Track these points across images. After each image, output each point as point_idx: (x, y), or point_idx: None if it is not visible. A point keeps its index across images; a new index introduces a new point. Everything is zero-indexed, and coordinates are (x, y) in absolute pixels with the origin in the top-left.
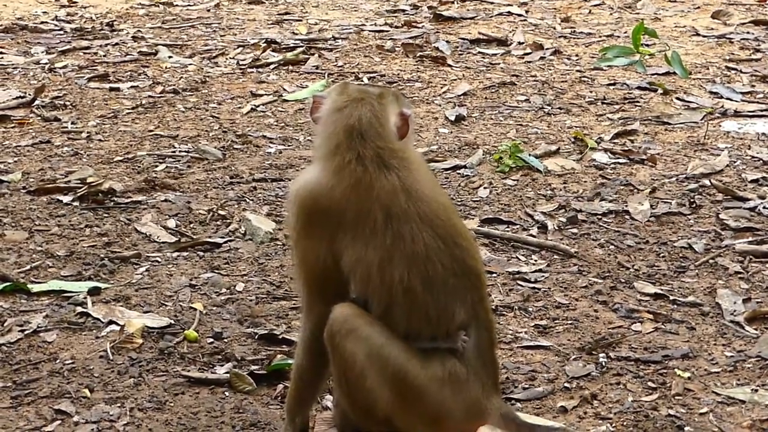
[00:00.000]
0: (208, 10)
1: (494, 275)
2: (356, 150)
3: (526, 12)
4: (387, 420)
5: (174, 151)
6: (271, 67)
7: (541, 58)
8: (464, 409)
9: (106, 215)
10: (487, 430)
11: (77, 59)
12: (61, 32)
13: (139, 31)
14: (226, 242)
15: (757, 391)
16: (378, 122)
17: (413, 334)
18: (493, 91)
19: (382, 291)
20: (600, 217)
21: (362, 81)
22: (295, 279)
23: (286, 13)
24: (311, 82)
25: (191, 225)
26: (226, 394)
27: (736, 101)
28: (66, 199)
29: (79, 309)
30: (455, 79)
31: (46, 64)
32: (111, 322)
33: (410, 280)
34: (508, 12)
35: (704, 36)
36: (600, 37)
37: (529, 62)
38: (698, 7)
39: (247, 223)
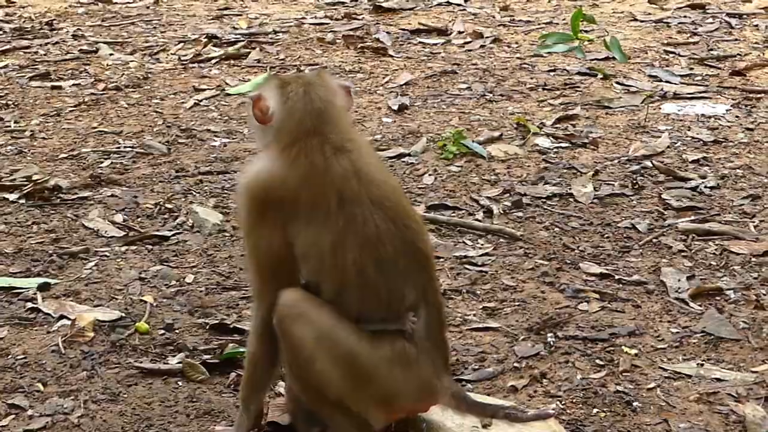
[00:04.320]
0: (148, 7)
1: (442, 260)
2: (324, 135)
3: (465, 1)
4: (339, 402)
5: (119, 147)
6: (213, 61)
7: (482, 46)
8: (415, 388)
9: (53, 212)
10: (438, 409)
11: (18, 59)
12: (0, 32)
13: (79, 29)
14: (174, 235)
15: (702, 365)
16: (336, 101)
17: (364, 316)
18: (435, 80)
19: (335, 274)
20: (544, 200)
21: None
22: (246, 268)
23: (226, 8)
24: (253, 75)
25: (139, 219)
26: (179, 383)
27: (675, 84)
28: (12, 197)
29: (30, 305)
30: (397, 69)
31: None
32: (62, 317)
33: (362, 262)
34: (447, 2)
35: (642, 21)
36: (539, 24)
37: (470, 51)
38: None
39: (194, 216)
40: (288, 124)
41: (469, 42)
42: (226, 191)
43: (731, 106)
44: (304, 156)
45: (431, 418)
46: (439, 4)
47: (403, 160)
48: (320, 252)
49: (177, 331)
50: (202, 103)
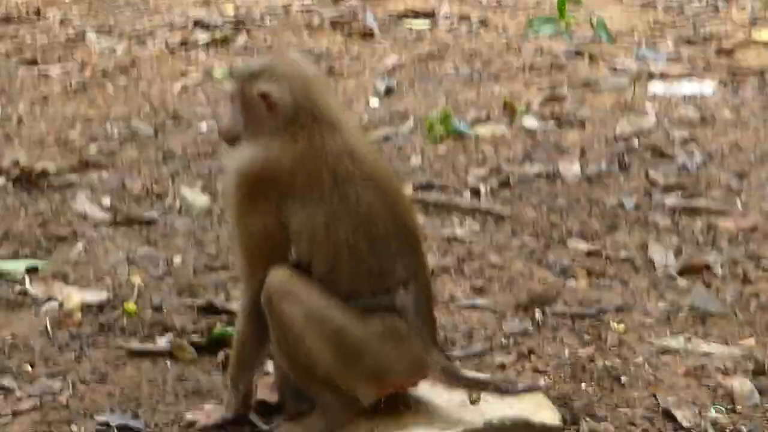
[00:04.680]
0: None
1: (429, 239)
2: (321, 115)
3: None
4: (328, 379)
5: (106, 131)
6: (200, 47)
7: (469, 29)
8: (405, 364)
9: (40, 196)
10: (427, 386)
11: (5, 45)
12: None
13: (66, 15)
14: (161, 217)
15: (690, 339)
16: (325, 82)
17: (355, 293)
18: (422, 62)
19: (328, 252)
20: (532, 179)
21: None
22: (235, 251)
23: None
24: (240, 60)
25: (126, 202)
26: (168, 364)
27: (662, 64)
28: None
29: (18, 287)
30: (384, 53)
31: None
32: (50, 299)
33: (356, 241)
34: None
35: (628, 2)
36: (526, 7)
37: (457, 33)
38: None
39: (182, 198)
40: (296, 112)
41: (456, 25)
42: (213, 174)
43: (718, 85)
44: (304, 138)
45: (420, 395)
46: None
47: (390, 141)
48: (314, 231)
49: (165, 311)
50: (189, 88)
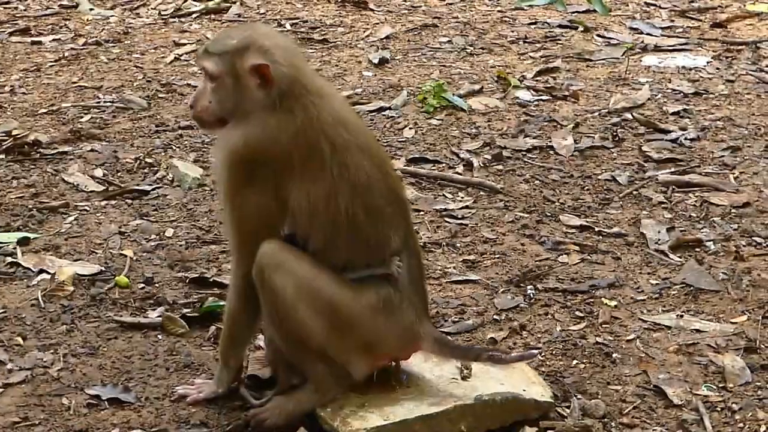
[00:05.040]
0: None
1: (422, 213)
2: (309, 85)
3: None
4: (320, 352)
5: (99, 102)
6: (193, 16)
7: (462, 0)
8: (398, 335)
9: (32, 167)
10: (419, 361)
11: None
12: None
13: None
14: (154, 189)
15: (682, 316)
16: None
17: (351, 263)
18: (416, 33)
19: (327, 223)
20: (524, 153)
21: (284, 28)
22: (228, 227)
23: None
24: None
25: (119, 174)
26: (159, 337)
27: (656, 36)
28: None
29: (9, 259)
30: (378, 23)
31: None
32: (42, 271)
33: (354, 210)
34: None
35: None
36: None
37: (451, 4)
38: None
39: (174, 170)
40: (290, 83)
41: None
42: (206, 146)
43: (712, 58)
44: (299, 109)
45: (411, 370)
46: None
47: (383, 113)
48: (313, 204)
49: (157, 284)
50: (182, 58)
